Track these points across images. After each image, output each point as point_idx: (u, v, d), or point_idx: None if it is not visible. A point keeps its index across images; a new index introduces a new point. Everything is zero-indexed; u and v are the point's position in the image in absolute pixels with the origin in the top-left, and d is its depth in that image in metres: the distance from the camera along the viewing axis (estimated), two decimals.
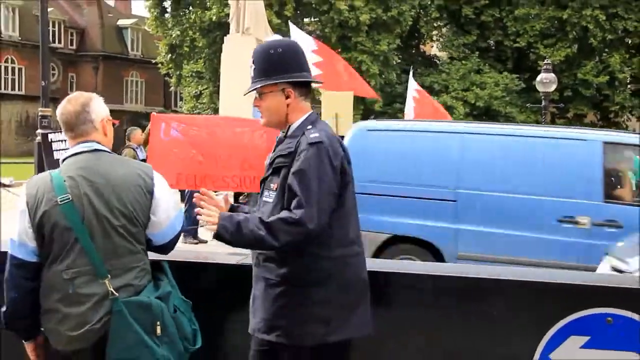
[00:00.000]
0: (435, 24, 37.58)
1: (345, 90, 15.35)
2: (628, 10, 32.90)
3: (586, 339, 3.76)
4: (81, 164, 3.54)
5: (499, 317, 3.92)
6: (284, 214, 3.44)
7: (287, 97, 3.69)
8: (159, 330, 3.44)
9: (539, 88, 23.62)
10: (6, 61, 52.72)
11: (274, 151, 3.76)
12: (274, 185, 3.63)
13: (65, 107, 3.67)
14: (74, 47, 57.81)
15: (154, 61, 45.14)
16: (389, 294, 4.14)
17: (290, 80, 3.68)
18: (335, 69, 16.19)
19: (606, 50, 33.87)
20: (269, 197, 3.66)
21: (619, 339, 3.73)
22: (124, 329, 3.38)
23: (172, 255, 3.91)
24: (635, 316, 3.73)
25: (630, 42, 34.27)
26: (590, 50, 34.02)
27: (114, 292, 3.40)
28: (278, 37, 3.84)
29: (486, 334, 3.91)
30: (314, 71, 16.11)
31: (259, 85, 3.69)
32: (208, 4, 34.43)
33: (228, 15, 24.07)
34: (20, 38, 52.42)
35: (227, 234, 3.45)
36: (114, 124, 3.83)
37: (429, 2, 34.26)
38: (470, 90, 32.95)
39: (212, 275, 4.49)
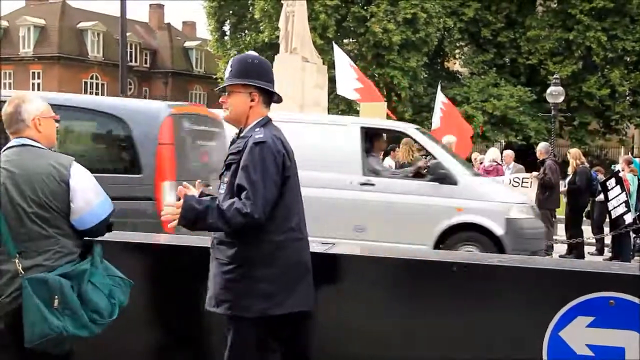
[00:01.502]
0: (457, 44, 37.47)
1: (377, 101, 15.38)
2: (626, 32, 32.74)
3: (591, 319, 3.71)
4: (7, 157, 3.58)
5: (516, 299, 3.89)
6: (238, 203, 3.51)
7: (252, 100, 3.74)
8: (56, 303, 3.38)
9: (549, 99, 23.40)
10: (92, 77, 53.48)
11: (228, 149, 3.82)
12: (227, 179, 3.70)
13: (4, 109, 3.70)
14: (148, 65, 58.49)
15: (214, 77, 45.45)
16: (415, 279, 4.14)
17: (257, 85, 3.73)
18: (370, 84, 16.27)
19: (607, 66, 33.67)
20: (222, 189, 3.72)
21: (620, 320, 3.68)
22: (28, 302, 3.36)
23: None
24: (635, 299, 3.67)
25: (628, 59, 34.03)
26: (594, 66, 33.83)
27: (21, 271, 3.39)
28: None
29: (505, 313, 3.89)
30: (356, 84, 16.19)
31: (231, 83, 3.75)
32: (261, 27, 34.64)
33: (278, 37, 24.15)
34: (103, 58, 53.15)
35: (189, 224, 3.56)
36: (57, 120, 3.82)
37: (452, 25, 34.12)
38: (489, 101, 32.85)
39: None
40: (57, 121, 3.82)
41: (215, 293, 3.69)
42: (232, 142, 3.82)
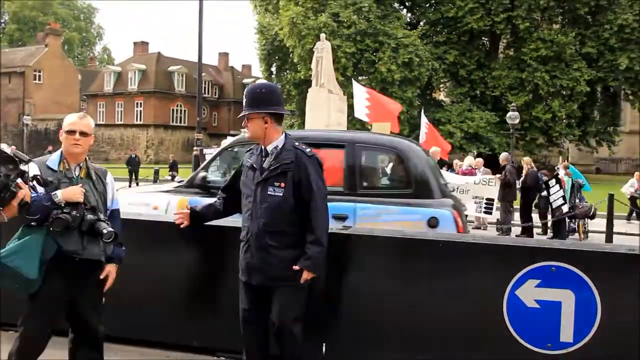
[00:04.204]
0: (442, 80, 37.25)
1: (384, 122, 15.36)
2: (563, 73, 32.73)
3: (538, 281, 3.71)
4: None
5: (484, 267, 3.88)
6: (316, 222, 3.40)
7: (265, 122, 3.47)
8: None
9: (508, 121, 23.27)
10: (177, 106, 53.91)
11: (275, 159, 3.45)
12: (280, 184, 3.41)
13: None
14: (216, 96, 58.73)
15: None
16: (412, 253, 4.10)
17: (268, 111, 3.47)
18: (379, 108, 16.21)
19: (550, 98, 33.63)
20: (276, 192, 3.41)
21: (559, 282, 3.68)
22: None
23: None
24: (569, 266, 3.67)
25: (564, 93, 33.95)
26: (540, 98, 33.67)
27: None
28: (263, 80, 3.35)
29: (475, 278, 3.87)
30: (365, 111, 16.13)
31: (248, 113, 3.48)
32: (298, 68, 34.71)
33: (311, 75, 24.20)
34: (185, 92, 53.55)
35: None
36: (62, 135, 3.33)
37: (438, 67, 33.97)
38: (465, 122, 32.70)
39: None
40: (84, 134, 3.31)
41: (277, 272, 3.42)
42: (277, 155, 3.47)
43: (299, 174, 3.43)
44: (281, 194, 3.41)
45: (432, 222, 5.56)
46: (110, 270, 3.43)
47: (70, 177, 3.28)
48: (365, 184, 6.07)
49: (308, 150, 3.52)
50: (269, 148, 3.52)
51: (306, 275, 3.41)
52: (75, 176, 3.30)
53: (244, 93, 3.55)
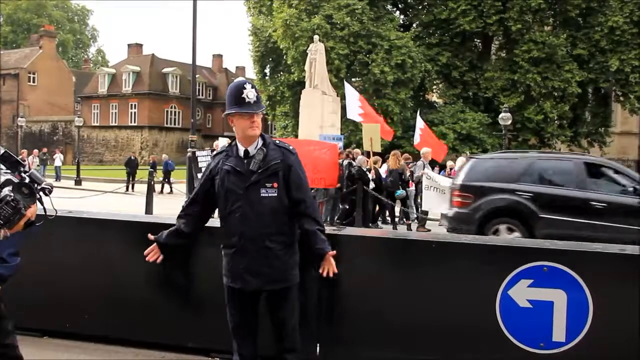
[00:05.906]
0: (434, 82, 37.29)
1: (375, 123, 15.42)
2: (554, 75, 32.77)
3: (531, 281, 3.72)
4: None
5: (478, 267, 3.89)
6: (313, 216, 3.36)
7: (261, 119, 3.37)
8: None
9: (501, 122, 23.31)
10: (171, 107, 53.77)
11: (263, 160, 3.27)
12: (273, 184, 3.26)
13: None
14: (210, 98, 58.60)
15: None
16: (406, 253, 4.10)
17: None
18: (370, 111, 16.30)
19: (541, 99, 33.69)
20: (269, 192, 3.26)
21: (550, 281, 3.69)
22: None
23: None
24: (561, 266, 3.68)
25: (556, 94, 33.96)
26: (532, 99, 33.76)
27: None
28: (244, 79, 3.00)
29: (467, 278, 3.88)
30: (359, 111, 16.21)
31: (261, 110, 3.31)
32: (292, 70, 34.66)
33: (304, 77, 24.20)
34: (179, 93, 53.45)
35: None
36: None
37: (431, 68, 33.98)
38: (457, 123, 32.72)
39: None
40: None
41: (279, 274, 3.32)
42: (264, 156, 3.29)
43: (288, 171, 3.31)
44: (275, 194, 3.26)
45: None
46: None
47: None
48: None
49: (291, 147, 3.41)
50: (251, 149, 3.32)
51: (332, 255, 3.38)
52: None
53: (253, 88, 3.29)
